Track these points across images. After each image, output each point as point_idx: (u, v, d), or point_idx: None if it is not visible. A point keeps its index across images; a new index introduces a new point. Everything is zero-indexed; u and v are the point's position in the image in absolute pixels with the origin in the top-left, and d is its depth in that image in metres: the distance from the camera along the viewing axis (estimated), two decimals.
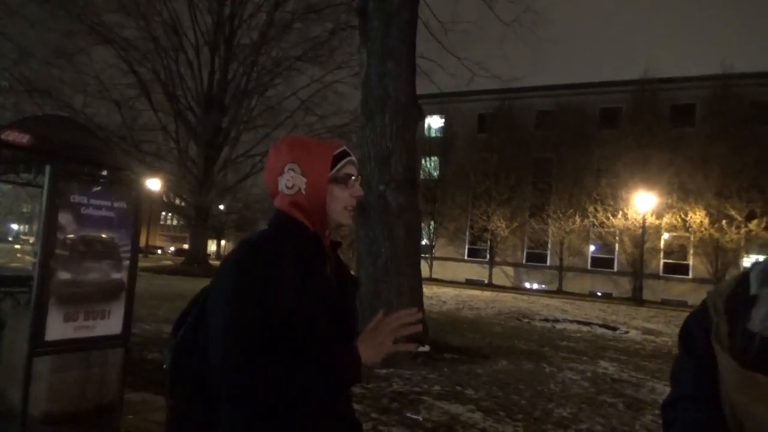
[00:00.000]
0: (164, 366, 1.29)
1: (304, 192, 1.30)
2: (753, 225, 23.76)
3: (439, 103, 26.91)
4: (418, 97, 7.77)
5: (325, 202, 1.32)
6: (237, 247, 1.26)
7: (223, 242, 49.22)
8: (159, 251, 45.95)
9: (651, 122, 26.25)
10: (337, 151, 1.35)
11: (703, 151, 24.39)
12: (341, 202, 1.34)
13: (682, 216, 25.63)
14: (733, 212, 23.83)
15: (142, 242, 34.28)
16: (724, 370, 1.32)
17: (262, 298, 1.17)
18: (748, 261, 25.11)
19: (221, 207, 27.33)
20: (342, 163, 1.34)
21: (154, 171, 23.08)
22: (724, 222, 24.03)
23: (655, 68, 43.03)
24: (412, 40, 7.24)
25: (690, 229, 25.64)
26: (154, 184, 23.24)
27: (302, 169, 1.30)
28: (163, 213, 50.48)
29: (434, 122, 33.29)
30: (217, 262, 28.28)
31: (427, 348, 7.61)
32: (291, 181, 1.31)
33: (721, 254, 25.01)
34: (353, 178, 1.37)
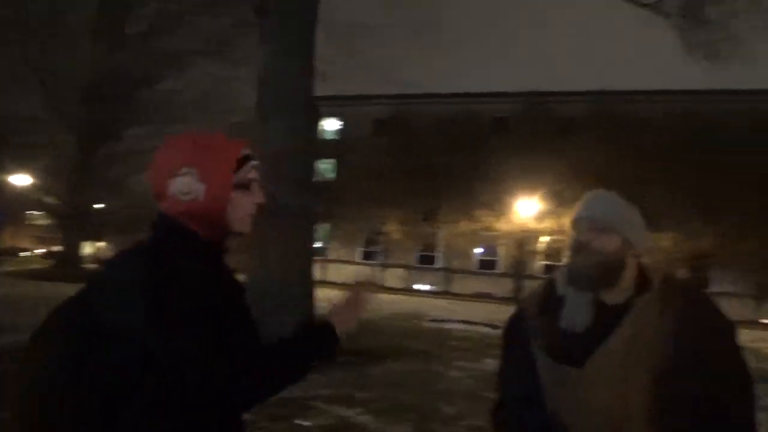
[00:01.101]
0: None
1: (201, 200, 1.16)
2: None
3: (337, 105, 27.04)
4: (316, 99, 7.75)
5: (225, 211, 1.19)
6: (132, 263, 1.13)
7: (101, 244, 45.87)
8: (26, 253, 41.92)
9: (536, 132, 28.05)
10: (242, 153, 1.23)
11: (581, 162, 26.43)
12: (242, 210, 1.22)
13: (561, 221, 27.59)
14: None
15: (6, 243, 31.11)
16: (541, 368, 1.45)
17: (200, 304, 1.08)
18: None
19: (100, 206, 25.48)
20: (246, 167, 1.23)
21: (22, 166, 21.08)
22: None
23: (543, 81, 46.00)
24: (311, 41, 7.21)
25: (567, 234, 27.63)
26: (21, 180, 21.21)
27: (201, 174, 1.16)
28: (32, 211, 46.20)
29: (330, 125, 33.31)
30: (93, 266, 26.28)
31: None
32: (187, 186, 1.16)
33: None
34: (256, 183, 1.25)
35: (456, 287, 29.45)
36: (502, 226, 28.28)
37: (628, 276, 1.46)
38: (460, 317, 15.59)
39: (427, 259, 31.52)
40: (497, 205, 28.06)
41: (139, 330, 1.07)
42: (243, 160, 1.23)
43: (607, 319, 1.41)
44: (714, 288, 26.82)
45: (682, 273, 26.72)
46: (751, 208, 24.00)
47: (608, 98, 27.64)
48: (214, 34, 20.70)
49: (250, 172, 1.24)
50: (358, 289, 1.33)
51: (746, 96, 25.24)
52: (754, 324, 23.98)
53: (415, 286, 30.65)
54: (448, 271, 30.30)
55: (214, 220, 1.19)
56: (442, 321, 14.56)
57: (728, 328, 1.43)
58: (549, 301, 1.53)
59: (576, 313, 1.44)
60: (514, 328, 1.61)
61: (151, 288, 1.07)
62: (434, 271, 31.10)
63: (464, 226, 29.03)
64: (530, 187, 26.16)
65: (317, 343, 1.24)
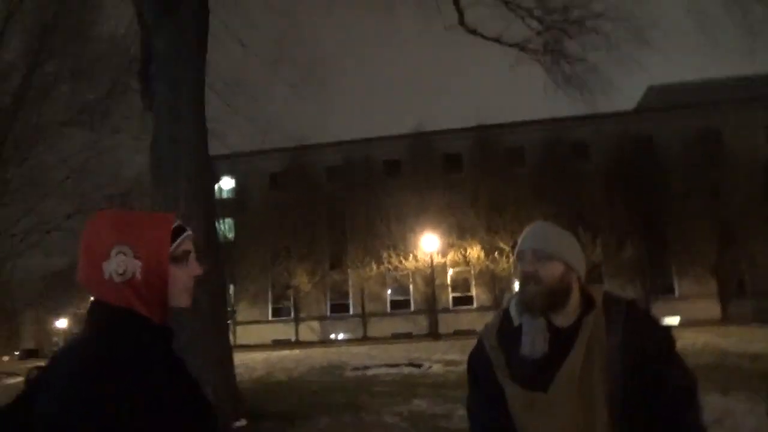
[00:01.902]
0: None
1: (139, 277, 1.10)
2: None
3: (230, 163, 26.52)
4: (210, 157, 7.58)
5: (166, 286, 1.14)
6: (74, 372, 1.02)
7: None
8: None
9: (427, 170, 29.20)
10: (175, 224, 1.19)
11: (472, 194, 27.75)
12: (181, 284, 1.17)
13: (463, 252, 28.58)
14: (502, 244, 27.28)
15: None
16: (510, 396, 1.52)
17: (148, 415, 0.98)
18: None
19: None
20: (180, 238, 1.18)
21: None
22: (496, 253, 27.33)
23: (429, 121, 48.08)
24: (201, 103, 7.08)
25: (470, 263, 28.69)
26: None
27: (135, 251, 1.10)
28: None
29: (225, 183, 32.57)
30: None
31: (244, 422, 7.20)
32: (122, 266, 1.09)
33: (497, 282, 28.31)
34: (192, 254, 1.21)
35: (372, 331, 29.34)
36: (409, 264, 28.77)
37: (574, 298, 1.56)
38: (382, 361, 15.49)
39: (339, 308, 31.19)
40: (402, 245, 28.57)
41: None
42: (177, 232, 1.18)
43: (561, 341, 1.50)
44: None
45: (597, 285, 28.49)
46: (623, 220, 26.47)
47: (486, 132, 29.52)
48: (88, 102, 19.74)
49: (185, 244, 1.19)
50: None
51: (605, 119, 27.95)
52: None
53: (332, 336, 30.14)
54: (363, 316, 30.15)
55: (156, 296, 1.12)
56: (365, 368, 14.38)
57: (667, 336, 1.56)
58: (506, 331, 1.61)
59: (534, 340, 1.52)
60: (477, 360, 1.66)
61: (94, 407, 0.97)
62: (348, 318, 30.80)
63: (372, 269, 29.20)
64: (431, 223, 26.96)
65: None
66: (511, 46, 11.93)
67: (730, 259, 26.84)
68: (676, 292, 28.40)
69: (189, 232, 1.22)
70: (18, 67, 19.66)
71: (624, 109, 29.80)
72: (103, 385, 0.98)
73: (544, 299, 1.53)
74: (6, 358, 34.66)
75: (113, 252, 1.09)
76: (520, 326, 1.57)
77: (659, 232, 27.02)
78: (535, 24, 11.26)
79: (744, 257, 26.62)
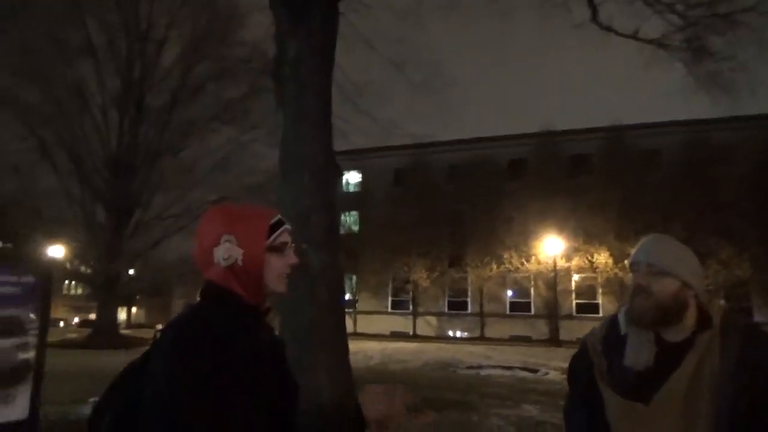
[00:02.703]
0: None
1: (240, 263, 1.27)
2: None
3: (356, 159, 27.52)
4: (335, 154, 7.96)
5: (262, 273, 1.30)
6: (180, 331, 1.21)
7: (134, 309, 46.56)
8: (62, 323, 42.71)
9: (553, 171, 28.07)
10: (273, 220, 1.34)
11: (601, 198, 26.25)
12: (277, 271, 1.33)
13: (589, 258, 27.20)
14: (632, 252, 25.55)
15: None
16: (607, 403, 1.51)
17: (231, 382, 1.15)
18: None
19: (131, 273, 26.01)
20: (278, 231, 1.34)
21: (56, 238, 21.74)
22: (625, 261, 25.65)
23: (554, 121, 46.27)
24: (327, 102, 7.46)
25: (597, 270, 27.24)
26: (57, 251, 21.84)
27: (238, 240, 1.28)
28: (66, 282, 47.26)
29: (351, 177, 33.82)
30: (128, 332, 26.58)
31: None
32: (227, 252, 1.27)
33: (626, 291, 26.56)
34: (289, 246, 1.36)
35: (490, 332, 28.96)
36: (531, 267, 27.98)
37: (690, 315, 1.53)
38: (497, 363, 15.31)
39: (457, 305, 31.15)
40: (523, 247, 27.85)
41: (165, 400, 1.13)
42: (275, 226, 1.34)
43: (669, 356, 1.48)
44: (757, 318, 25.94)
45: (721, 302, 25.94)
46: None
47: (619, 133, 27.68)
48: (231, 101, 21.52)
49: (282, 236, 1.35)
50: (396, 389, 1.38)
51: (752, 122, 25.04)
52: None
53: (449, 333, 30.22)
54: (481, 315, 29.85)
55: (253, 281, 1.29)
56: (479, 367, 14.30)
57: None
58: (612, 338, 1.61)
59: (639, 351, 1.51)
60: (579, 363, 1.68)
61: (184, 359, 1.15)
62: (466, 317, 30.66)
63: (492, 269, 28.78)
64: (554, 226, 25.98)
65: None
66: (648, 42, 11.14)
67: None
68: None
69: (287, 226, 1.38)
70: (175, 70, 21.92)
71: None
72: (196, 348, 1.16)
73: (654, 314, 1.51)
74: (160, 326, 38.97)
75: (222, 239, 1.28)
76: (626, 335, 1.57)
77: None
78: (675, 19, 10.41)
79: None
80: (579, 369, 1.68)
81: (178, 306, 44.01)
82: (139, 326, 38.00)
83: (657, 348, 1.50)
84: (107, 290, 21.58)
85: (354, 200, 31.56)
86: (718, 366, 1.44)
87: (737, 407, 1.39)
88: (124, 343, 18.58)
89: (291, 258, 1.36)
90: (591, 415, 1.56)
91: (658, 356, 1.49)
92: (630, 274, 1.62)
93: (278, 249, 1.33)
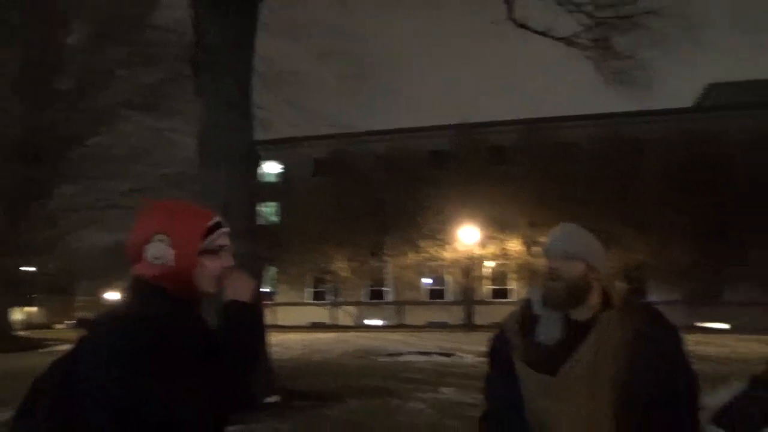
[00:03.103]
0: None
1: (172, 264, 1.28)
2: None
3: (276, 149, 27.05)
4: (256, 144, 7.86)
5: (192, 275, 1.31)
6: (113, 323, 1.23)
7: (32, 309, 43.36)
8: None
9: (473, 162, 28.96)
10: (212, 222, 1.36)
11: (517, 188, 27.41)
12: (209, 273, 1.34)
13: (502, 245, 28.42)
14: (543, 239, 26.88)
15: None
16: (523, 377, 1.68)
17: (167, 360, 1.19)
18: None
19: (32, 269, 24.21)
20: (216, 234, 1.36)
21: None
22: (538, 248, 27.04)
23: (475, 114, 47.57)
24: (248, 91, 7.36)
25: (509, 257, 28.52)
26: None
27: (172, 241, 1.28)
28: None
29: (271, 168, 33.26)
30: (26, 333, 24.62)
31: (276, 398, 7.51)
32: (159, 252, 1.28)
33: (535, 277, 28.03)
34: (225, 249, 1.38)
35: (408, 319, 29.57)
36: (448, 254, 28.77)
37: (594, 296, 1.72)
38: (415, 349, 15.69)
39: (377, 294, 31.57)
40: (441, 235, 28.57)
41: (118, 390, 1.17)
42: (213, 228, 1.37)
43: (576, 333, 1.66)
44: (652, 297, 28.16)
45: (620, 285, 27.88)
46: (674, 220, 25.56)
47: (536, 126, 28.99)
48: (146, 87, 20.46)
49: (220, 239, 1.38)
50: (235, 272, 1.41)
51: (657, 116, 27.07)
52: (691, 328, 25.25)
53: (368, 322, 30.55)
54: (399, 304, 30.42)
55: (183, 281, 1.31)
56: (397, 354, 14.62)
57: (677, 338, 1.72)
58: (526, 318, 1.78)
59: (550, 329, 1.69)
60: (497, 343, 1.83)
61: (124, 352, 1.17)
62: (385, 306, 31.15)
63: (411, 258, 29.36)
64: (471, 215, 26.86)
65: (246, 328, 1.37)
66: (559, 40, 11.78)
67: None
68: (725, 298, 27.44)
69: (225, 229, 1.40)
70: (82, 50, 20.54)
71: (682, 106, 28.84)
72: (131, 339, 1.19)
73: (564, 295, 1.68)
74: (61, 326, 36.52)
75: (155, 238, 1.29)
76: (539, 316, 1.74)
77: (713, 236, 25.97)
78: (584, 19, 11.09)
79: None
80: (498, 348, 1.84)
81: (81, 303, 41.48)
82: (41, 326, 35.50)
83: (566, 326, 1.67)
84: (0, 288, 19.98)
85: (274, 190, 31.08)
86: (618, 340, 1.62)
87: (634, 375, 1.58)
88: (18, 345, 17.37)
89: (226, 260, 1.38)
90: (509, 388, 1.71)
91: (567, 333, 1.66)
92: (542, 260, 1.80)
93: (214, 251, 1.35)
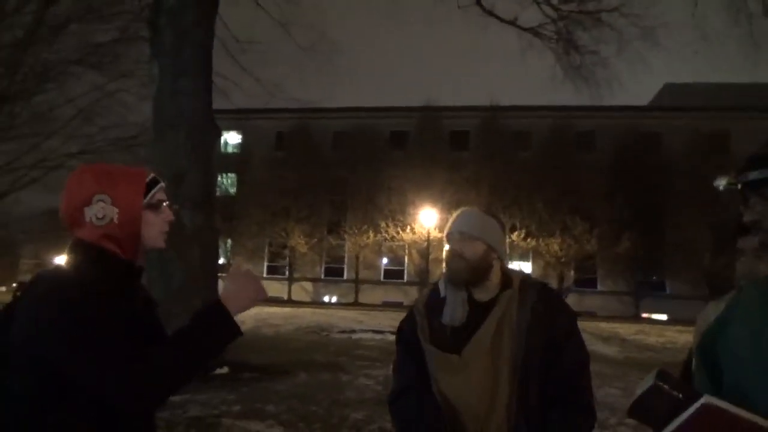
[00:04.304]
0: None
1: (116, 221, 1.29)
2: (514, 236, 27.76)
3: (236, 119, 26.51)
4: (215, 112, 7.68)
5: (139, 231, 1.32)
6: (51, 282, 1.22)
7: None
8: None
9: (433, 145, 29.12)
10: (149, 178, 1.37)
11: (476, 173, 27.78)
12: (155, 228, 1.36)
13: None
14: None
15: None
16: (429, 357, 1.75)
17: (103, 326, 1.18)
18: (511, 266, 29.15)
19: None
20: (155, 189, 1.37)
21: None
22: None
23: (437, 97, 47.69)
24: (207, 58, 7.16)
25: None
26: None
27: (113, 199, 1.29)
28: None
29: (231, 138, 32.63)
30: None
31: (225, 369, 7.50)
32: (102, 212, 1.28)
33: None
34: (165, 203, 1.39)
35: (364, 298, 29.76)
36: (406, 236, 29.01)
37: (494, 276, 1.81)
38: (368, 327, 15.85)
39: (334, 272, 31.61)
40: (401, 216, 28.75)
41: (49, 352, 1.16)
42: (151, 184, 1.37)
43: (478, 313, 1.75)
44: (600, 287, 29.15)
45: (570, 275, 28.81)
46: (623, 214, 26.47)
47: (495, 113, 29.33)
48: (99, 45, 19.59)
49: (159, 194, 1.38)
50: (245, 271, 1.37)
51: (610, 112, 27.73)
52: (636, 318, 26.33)
53: (324, 299, 30.62)
54: (356, 282, 30.56)
55: (130, 239, 1.32)
56: (351, 332, 14.74)
57: (571, 317, 1.82)
58: (433, 301, 1.85)
59: (454, 310, 1.76)
60: (405, 325, 1.89)
61: (62, 313, 1.16)
62: (342, 283, 31.24)
63: (370, 237, 29.46)
64: (430, 198, 27.09)
65: (214, 333, 1.28)
66: (525, 30, 11.90)
67: (723, 264, 26.93)
68: (667, 290, 28.66)
69: (162, 184, 1.40)
70: (32, 2, 19.49)
71: (635, 104, 29.63)
72: (64, 301, 1.18)
73: (467, 274, 1.76)
74: (3, 289, 35.33)
75: (94, 199, 1.29)
76: (444, 298, 1.80)
77: (657, 230, 27.04)
78: (550, 11, 11.23)
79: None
80: (405, 330, 1.90)
81: (26, 266, 40.21)
82: None
83: (469, 307, 1.75)
84: None
85: (233, 162, 30.55)
86: (517, 318, 1.72)
87: (531, 351, 1.69)
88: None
89: (168, 215, 1.40)
90: (416, 369, 1.78)
91: (470, 314, 1.74)
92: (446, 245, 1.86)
93: (155, 207, 1.36)
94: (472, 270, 1.76)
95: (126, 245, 1.31)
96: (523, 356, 1.69)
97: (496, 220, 1.89)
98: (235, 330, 1.29)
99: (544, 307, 1.75)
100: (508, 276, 1.84)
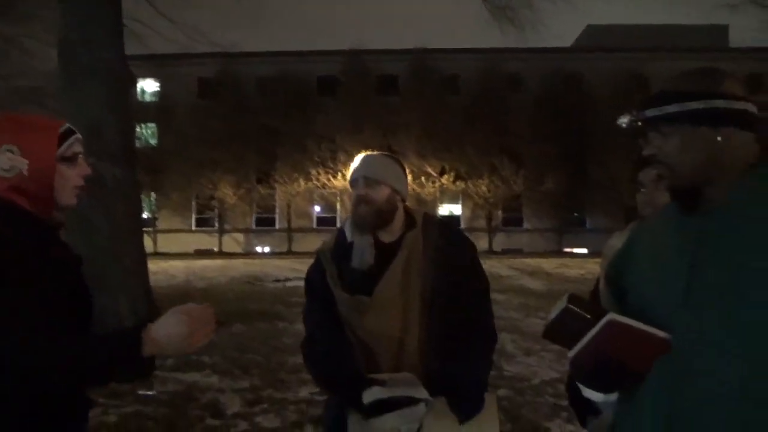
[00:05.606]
0: None
1: (26, 174, 1.22)
2: (444, 179, 28.32)
3: (154, 66, 24.96)
4: (128, 59, 7.25)
5: (52, 184, 1.26)
6: None
7: None
8: None
9: (362, 90, 28.76)
10: (63, 129, 1.29)
11: (405, 117, 27.80)
12: (69, 182, 1.29)
13: None
14: (429, 169, 27.86)
15: None
16: (340, 301, 1.81)
17: (13, 285, 1.13)
18: (442, 209, 29.88)
19: None
20: (69, 141, 1.29)
21: None
22: (422, 178, 27.95)
23: (367, 40, 46.62)
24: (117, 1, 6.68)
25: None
26: None
27: (23, 150, 1.21)
28: None
29: (148, 86, 30.88)
30: None
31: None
32: (9, 162, 1.21)
33: (422, 205, 29.10)
34: (80, 156, 1.32)
35: (297, 246, 29.73)
36: (338, 183, 28.94)
37: (398, 218, 1.87)
38: (302, 275, 15.90)
39: (265, 221, 31.25)
40: (331, 163, 28.56)
41: None
42: (65, 135, 1.29)
43: (386, 254, 1.81)
44: (526, 225, 30.42)
45: (498, 214, 29.87)
46: (547, 154, 27.45)
47: (423, 56, 29.19)
48: None
49: (74, 146, 1.31)
50: (204, 310, 1.26)
51: (537, 54, 28.21)
52: (558, 253, 27.83)
53: (257, 249, 30.36)
54: (288, 231, 30.41)
55: (42, 193, 1.25)
56: (285, 280, 14.78)
57: (471, 250, 1.93)
58: (340, 247, 1.89)
59: (362, 254, 1.81)
60: (313, 272, 1.92)
61: None
62: (274, 233, 31.00)
63: (301, 185, 29.18)
64: (361, 144, 26.99)
65: (120, 355, 1.20)
66: None
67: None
68: (587, 225, 30.30)
69: (78, 135, 1.33)
70: None
71: (560, 46, 30.22)
72: None
73: (374, 218, 1.82)
74: None
75: (2, 149, 1.21)
76: (352, 243, 1.84)
77: (580, 168, 28.24)
78: None
79: None
80: (313, 277, 1.93)
81: None
82: None
83: (376, 249, 1.80)
84: None
85: (152, 111, 29.01)
86: (422, 255, 1.79)
87: (437, 286, 1.77)
88: None
89: (83, 168, 1.33)
90: (326, 313, 1.82)
91: (377, 256, 1.79)
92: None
93: (70, 159, 1.29)
94: (379, 214, 1.81)
95: (37, 200, 1.24)
96: (429, 291, 1.77)
97: (397, 163, 1.94)
98: (138, 369, 1.20)
99: (445, 243, 1.84)
100: (410, 216, 1.90)
